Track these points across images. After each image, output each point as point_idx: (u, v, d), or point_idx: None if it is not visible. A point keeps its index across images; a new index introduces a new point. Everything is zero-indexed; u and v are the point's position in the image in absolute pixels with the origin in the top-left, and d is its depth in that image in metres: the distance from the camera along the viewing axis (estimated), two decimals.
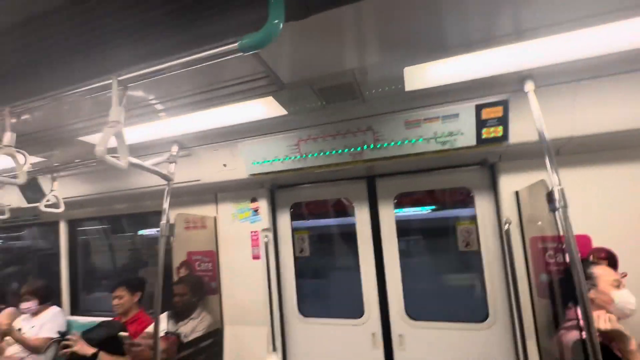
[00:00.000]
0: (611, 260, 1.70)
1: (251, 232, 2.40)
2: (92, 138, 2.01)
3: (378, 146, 1.86)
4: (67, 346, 2.07)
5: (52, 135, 1.93)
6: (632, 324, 1.48)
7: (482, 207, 2.06)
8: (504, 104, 1.61)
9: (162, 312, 2.30)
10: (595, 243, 1.73)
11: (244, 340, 2.36)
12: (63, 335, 2.18)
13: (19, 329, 2.67)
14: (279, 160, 2.06)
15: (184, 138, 2.10)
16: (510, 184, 1.88)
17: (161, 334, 2.18)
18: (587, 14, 1.05)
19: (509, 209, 1.87)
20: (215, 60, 0.96)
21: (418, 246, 2.33)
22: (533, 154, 1.79)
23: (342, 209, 2.47)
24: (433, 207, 2.34)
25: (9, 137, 1.36)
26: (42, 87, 1.31)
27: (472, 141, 1.72)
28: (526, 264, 1.80)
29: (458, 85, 1.53)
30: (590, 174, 1.77)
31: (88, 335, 2.25)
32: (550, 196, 1.33)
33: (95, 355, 2.09)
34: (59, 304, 3.05)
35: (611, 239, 1.71)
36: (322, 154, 1.97)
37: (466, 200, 2.15)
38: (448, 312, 2.14)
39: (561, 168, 1.76)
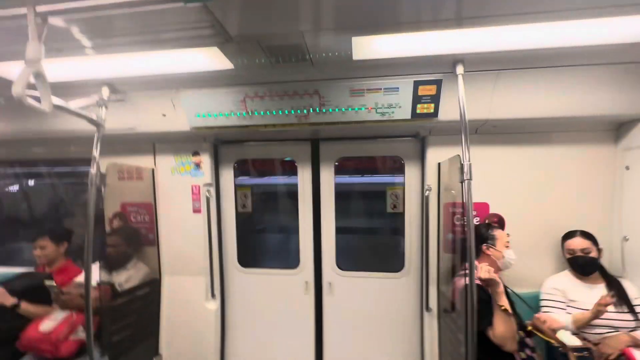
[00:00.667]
0: (501, 223, 2.10)
1: (192, 185, 2.37)
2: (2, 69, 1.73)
3: (324, 110, 1.93)
4: None
5: None
6: (511, 273, 1.91)
7: (410, 175, 2.32)
8: (438, 83, 1.77)
9: (94, 262, 2.25)
10: (492, 209, 2.10)
11: (183, 289, 2.44)
12: None
13: None
14: (224, 115, 2.02)
15: (117, 81, 1.92)
16: (435, 156, 2.13)
17: (94, 283, 2.15)
18: (515, 11, 1.19)
19: (431, 178, 2.14)
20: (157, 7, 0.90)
21: (351, 207, 2.55)
22: (456, 131, 2.04)
23: (285, 168, 2.55)
24: (368, 172, 2.54)
25: None
26: None
27: (408, 114, 1.88)
28: (438, 225, 2.12)
29: (401, 61, 1.63)
30: (498, 151, 2.09)
31: (7, 286, 2.11)
32: (461, 169, 1.56)
33: (16, 305, 2.00)
34: None
35: (503, 206, 2.08)
36: (268, 113, 1.97)
37: (397, 168, 2.38)
38: (371, 264, 2.46)
39: (477, 145, 2.06)
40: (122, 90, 2.01)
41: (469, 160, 1.52)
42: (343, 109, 1.91)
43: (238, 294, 2.57)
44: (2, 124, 2.34)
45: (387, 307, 2.37)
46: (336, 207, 2.40)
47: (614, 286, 1.83)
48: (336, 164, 2.39)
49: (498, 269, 1.88)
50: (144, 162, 2.41)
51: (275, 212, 2.65)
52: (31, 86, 1.02)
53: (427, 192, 2.11)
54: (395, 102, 1.85)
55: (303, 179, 2.42)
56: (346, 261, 2.44)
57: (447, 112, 1.86)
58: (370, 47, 1.50)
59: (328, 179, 2.39)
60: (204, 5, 1.13)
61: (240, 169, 2.56)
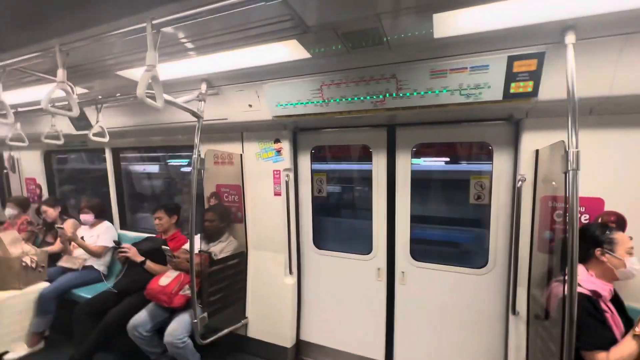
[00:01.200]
0: (620, 224, 1.73)
1: (274, 170, 2.57)
2: (128, 72, 2.14)
3: (400, 95, 1.85)
4: (123, 252, 2.51)
5: (93, 69, 2.08)
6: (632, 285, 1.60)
7: (500, 163, 2.07)
8: (540, 57, 1.52)
9: (196, 234, 2.66)
10: (608, 206, 1.74)
11: (265, 263, 2.71)
12: (118, 244, 2.60)
13: (82, 237, 3.20)
14: (302, 103, 2.11)
15: (212, 77, 2.17)
16: (532, 142, 1.85)
17: (196, 251, 2.56)
18: None
19: (525, 167, 1.88)
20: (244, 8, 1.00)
21: (429, 196, 2.42)
22: (562, 112, 1.72)
23: (361, 155, 2.55)
24: (449, 159, 2.35)
25: (61, 74, 1.50)
26: (85, 23, 1.40)
27: (499, 95, 1.67)
28: (532, 221, 1.86)
29: (491, 34, 1.45)
30: (619, 136, 1.69)
31: (137, 246, 2.68)
32: (565, 157, 1.33)
33: (143, 262, 2.52)
34: (111, 220, 3.55)
35: (623, 204, 1.71)
36: (344, 100, 1.99)
37: (484, 155, 2.15)
38: (449, 258, 2.31)
39: (591, 129, 1.72)
40: (216, 85, 2.28)
41: (577, 147, 1.29)
42: (422, 92, 1.80)
43: (313, 273, 2.73)
44: (127, 117, 2.90)
45: (466, 304, 2.21)
46: (413, 196, 2.31)
47: None
48: (414, 149, 2.28)
49: (613, 279, 1.58)
50: (233, 148, 2.71)
51: (349, 197, 2.69)
52: (148, 86, 1.24)
53: (520, 182, 1.86)
54: (483, 81, 1.66)
55: (378, 166, 2.39)
56: (422, 252, 2.35)
57: (550, 90, 1.59)
58: (454, 22, 1.37)
59: (404, 165, 2.30)
60: (284, 1, 1.19)
61: (318, 155, 2.67)
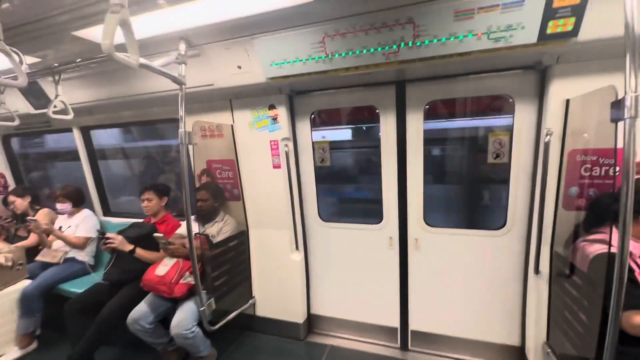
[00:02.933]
0: None
1: (270, 141, 2.32)
2: (88, 33, 1.77)
3: (417, 44, 1.60)
4: (109, 243, 2.26)
5: (42, 29, 1.69)
6: None
7: (522, 117, 1.90)
8: None
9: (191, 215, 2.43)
10: None
11: (269, 241, 2.54)
12: (102, 234, 2.35)
13: (59, 227, 2.90)
14: (301, 61, 1.83)
15: (192, 33, 1.83)
16: (561, 91, 1.67)
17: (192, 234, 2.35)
18: None
19: (553, 120, 1.72)
20: None
21: (443, 156, 2.25)
22: (600, 55, 1.54)
23: (368, 117, 2.32)
24: (465, 116, 2.16)
25: None
26: None
27: (533, 37, 1.45)
28: (558, 177, 1.74)
29: None
30: None
31: (123, 234, 2.43)
32: (618, 104, 1.16)
33: (132, 251, 2.29)
34: (91, 208, 3.24)
35: None
36: (350, 53, 1.72)
37: (503, 109, 1.97)
38: (464, 220, 2.22)
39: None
40: (197, 44, 1.94)
41: (636, 91, 1.12)
42: (443, 39, 1.56)
43: (321, 247, 2.59)
44: (94, 90, 2.51)
45: (483, 267, 2.15)
46: (425, 157, 2.14)
47: None
48: (427, 107, 2.07)
49: (638, 239, 1.49)
50: (222, 118, 2.41)
51: (355, 164, 2.50)
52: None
53: (548, 137, 1.71)
54: (516, 21, 1.43)
55: (386, 127, 2.18)
56: (434, 216, 2.23)
57: (594, 28, 1.38)
58: None
59: (416, 125, 2.10)
60: None
61: (318, 120, 2.41)
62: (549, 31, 1.42)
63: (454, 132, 2.21)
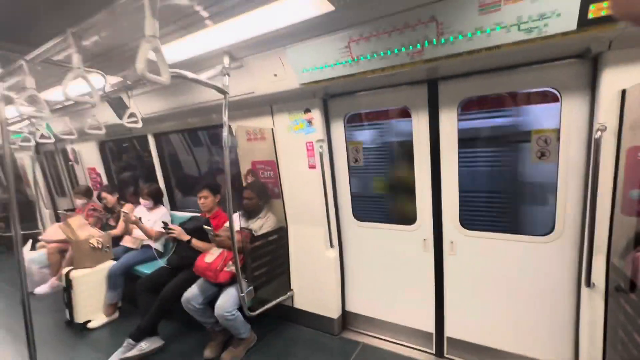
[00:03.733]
0: None
1: (306, 142, 2.46)
2: (153, 55, 2.11)
3: (442, 41, 1.58)
4: (170, 233, 2.64)
5: (119, 54, 2.08)
6: None
7: (571, 111, 1.71)
8: None
9: (235, 212, 2.70)
10: None
11: (306, 238, 2.68)
12: (166, 225, 2.75)
13: (140, 219, 3.45)
14: (329, 66, 1.93)
15: (234, 48, 2.06)
16: (616, 81, 1.48)
17: (236, 228, 2.60)
18: None
19: (606, 113, 1.53)
20: None
21: (482, 156, 2.13)
22: None
23: (401, 117, 2.31)
24: (504, 113, 2.01)
25: (76, 59, 1.48)
26: (93, 5, 1.35)
27: (572, 24, 1.33)
28: (615, 178, 1.54)
29: None
30: None
31: (184, 225, 2.81)
32: None
33: (189, 241, 2.64)
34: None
35: None
36: (375, 55, 1.76)
37: (549, 103, 1.80)
38: (506, 225, 2.06)
39: None
40: (239, 57, 2.17)
41: None
42: (469, 34, 1.51)
43: (355, 245, 2.65)
44: (161, 102, 2.93)
45: (527, 276, 1.98)
46: (461, 158, 2.06)
47: None
48: (460, 106, 2.00)
49: None
50: (264, 123, 2.63)
51: (389, 165, 2.50)
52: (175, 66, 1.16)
53: (600, 132, 1.52)
54: (550, 8, 1.32)
55: (419, 127, 2.15)
56: (472, 219, 2.12)
57: None
58: None
59: (450, 124, 2.03)
60: None
61: (351, 121, 2.48)
62: (590, 15, 1.29)
63: (494, 131, 2.07)
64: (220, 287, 2.45)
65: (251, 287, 2.35)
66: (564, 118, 1.74)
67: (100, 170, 4.59)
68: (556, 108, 1.76)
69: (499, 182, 2.12)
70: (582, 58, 1.61)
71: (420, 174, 2.22)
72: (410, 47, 1.65)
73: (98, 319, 3.08)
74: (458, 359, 2.29)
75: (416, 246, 2.34)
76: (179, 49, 2.02)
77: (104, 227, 3.85)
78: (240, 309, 2.35)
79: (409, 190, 2.28)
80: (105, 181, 4.59)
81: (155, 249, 3.36)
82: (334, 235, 2.60)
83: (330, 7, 1.56)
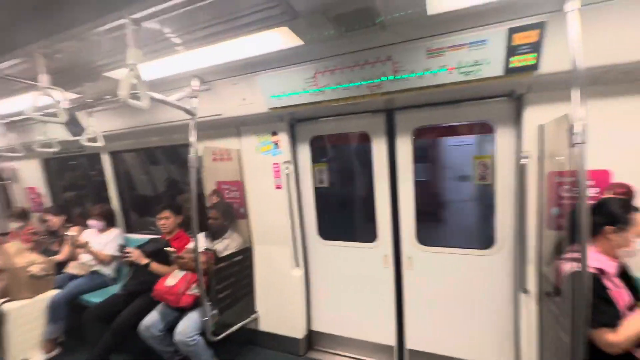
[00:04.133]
0: (629, 194, 1.68)
1: (273, 163, 2.54)
2: (116, 73, 2.09)
3: (397, 77, 1.80)
4: (127, 256, 2.50)
5: (80, 72, 2.03)
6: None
7: (503, 141, 2.02)
8: (541, 27, 1.46)
9: (200, 232, 2.65)
10: (617, 178, 1.70)
11: (272, 257, 2.70)
12: (122, 248, 2.60)
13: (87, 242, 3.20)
14: (297, 93, 2.06)
15: (204, 72, 2.12)
16: (535, 117, 1.80)
17: (200, 249, 2.55)
18: None
19: (530, 143, 1.83)
20: None
21: (433, 178, 2.37)
22: (566, 84, 1.66)
23: (361, 142, 2.50)
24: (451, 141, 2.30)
25: (43, 79, 1.45)
26: (61, 24, 1.35)
27: (499, 71, 1.61)
28: (539, 198, 1.82)
29: (488, 7, 1.39)
30: (625, 105, 1.64)
31: (141, 248, 2.68)
32: (570, 131, 1.28)
33: (148, 264, 2.52)
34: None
35: (631, 174, 1.66)
36: (339, 86, 1.94)
37: (486, 134, 2.09)
38: (456, 240, 2.29)
39: (597, 99, 1.66)
40: (208, 81, 2.23)
41: (583, 120, 1.24)
42: (419, 73, 1.74)
43: (320, 264, 2.72)
44: (121, 120, 2.86)
45: (475, 286, 2.20)
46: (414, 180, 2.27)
47: None
48: (413, 134, 2.23)
49: (616, 256, 1.53)
50: (231, 144, 2.67)
51: (352, 185, 2.65)
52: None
53: (524, 160, 1.82)
54: (482, 57, 1.60)
55: (378, 152, 2.35)
56: (427, 236, 2.32)
57: (553, 61, 1.53)
58: None
59: (405, 150, 2.26)
60: None
61: (317, 145, 2.62)
62: (512, 65, 1.58)
63: (443, 155, 2.33)
64: (182, 312, 2.35)
65: (215, 311, 2.29)
66: (497, 146, 2.03)
67: (43, 189, 4.20)
68: (492, 138, 2.05)
69: (449, 202, 2.35)
70: (509, 97, 1.93)
71: (379, 194, 2.39)
72: (370, 80, 1.85)
73: (35, 357, 2.75)
74: None
75: (377, 262, 2.48)
76: (147, 70, 2.03)
77: (46, 252, 3.50)
78: (202, 333, 2.27)
79: (370, 209, 2.44)
80: (47, 202, 4.20)
81: (106, 274, 3.13)
82: (299, 254, 2.66)
83: (299, 42, 1.72)
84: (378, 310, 2.52)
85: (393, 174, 2.32)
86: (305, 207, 2.69)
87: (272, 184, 2.57)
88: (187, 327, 2.21)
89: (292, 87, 2.06)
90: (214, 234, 2.64)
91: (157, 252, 2.64)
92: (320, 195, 2.66)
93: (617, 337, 1.37)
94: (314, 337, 2.79)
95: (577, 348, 1.32)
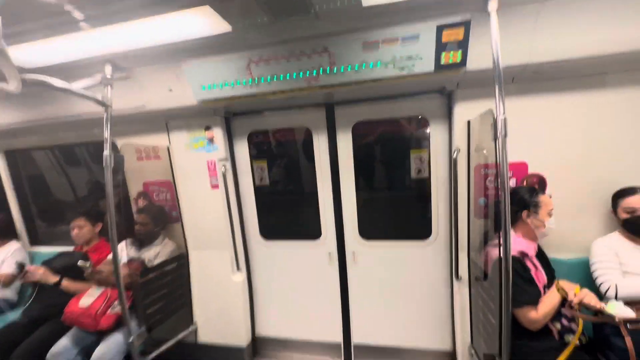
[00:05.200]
0: (542, 184, 1.87)
1: (208, 161, 2.33)
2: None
3: (334, 71, 1.74)
4: (28, 276, 2.09)
5: None
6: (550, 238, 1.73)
7: (436, 136, 2.10)
8: (466, 25, 1.51)
9: (122, 241, 2.34)
10: (531, 169, 1.87)
11: (210, 263, 2.49)
12: (22, 266, 2.17)
13: None
14: (229, 85, 1.90)
15: (119, 57, 1.85)
16: (463, 113, 1.89)
17: (124, 260, 2.25)
18: None
19: (459, 138, 1.92)
20: None
21: (374, 172, 2.40)
22: (489, 82, 1.77)
23: (303, 137, 2.41)
24: (390, 136, 2.33)
25: None
26: None
27: (431, 67, 1.65)
28: (468, 190, 1.93)
29: (419, 2, 1.40)
30: (538, 102, 1.81)
31: (49, 264, 2.27)
32: (494, 125, 1.36)
33: (58, 283, 2.14)
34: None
35: (544, 165, 1.84)
36: (275, 78, 1.82)
37: (422, 129, 2.17)
38: (396, 232, 2.34)
39: (513, 97, 1.80)
40: (125, 67, 1.95)
41: (504, 114, 1.31)
42: (356, 67, 1.71)
43: (263, 265, 2.59)
44: (18, 112, 2.39)
45: (415, 275, 2.28)
46: (356, 175, 2.27)
47: None
48: (353, 129, 2.22)
49: (535, 238, 1.70)
50: (158, 140, 2.39)
51: (294, 182, 2.56)
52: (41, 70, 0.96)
53: (455, 153, 1.91)
54: (415, 53, 1.62)
55: (319, 146, 2.29)
56: (370, 230, 2.34)
57: (478, 59, 1.61)
58: None
59: (346, 144, 2.23)
60: None
61: (255, 140, 2.47)
62: (442, 62, 1.62)
63: (382, 150, 2.36)
64: (101, 335, 2.04)
65: (143, 328, 2.03)
66: (432, 140, 2.11)
67: None
68: (427, 132, 2.13)
69: (389, 195, 2.40)
70: (441, 93, 2.01)
71: (322, 190, 2.35)
72: (307, 73, 1.77)
73: None
74: None
75: (322, 260, 2.43)
76: (45, 52, 1.70)
77: None
78: (128, 357, 2.00)
79: (314, 206, 2.38)
80: None
81: (7, 298, 2.60)
82: (240, 257, 2.50)
83: (227, 28, 1.57)
84: (324, 309, 2.48)
85: (335, 169, 2.28)
86: (246, 206, 2.54)
87: (208, 184, 2.36)
88: (106, 352, 1.92)
89: (224, 78, 1.89)
90: (142, 242, 2.35)
91: (70, 268, 2.25)
92: (261, 193, 2.52)
93: (538, 314, 1.51)
94: (259, 344, 2.65)
95: (505, 326, 1.42)
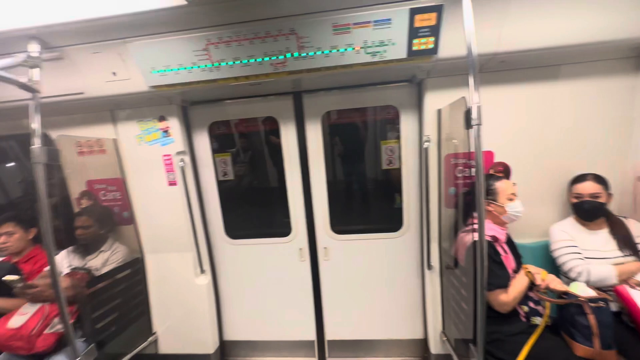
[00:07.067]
0: (507, 172, 1.92)
1: (163, 155, 2.10)
2: None
3: (303, 55, 1.62)
4: None
5: None
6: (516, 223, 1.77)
7: (407, 125, 2.07)
8: (438, 10, 1.47)
9: (64, 248, 2.05)
10: (498, 158, 1.91)
11: (170, 267, 2.28)
12: None
13: None
14: (186, 68, 1.69)
15: (47, 32, 1.56)
16: (433, 102, 1.87)
17: (67, 270, 1.97)
18: None
19: (429, 128, 1.91)
20: None
21: (344, 164, 2.33)
22: (457, 71, 1.77)
23: (270, 128, 2.27)
24: (362, 125, 2.27)
25: None
26: None
27: (404, 53, 1.59)
28: (439, 180, 1.93)
29: None
30: (503, 92, 1.84)
31: None
32: (467, 114, 1.33)
33: None
34: None
35: (509, 154, 1.89)
36: (237, 62, 1.66)
37: (393, 119, 2.13)
38: (367, 226, 2.30)
39: (481, 86, 1.81)
40: (56, 46, 1.66)
41: (479, 102, 1.29)
42: (326, 51, 1.60)
43: (230, 266, 2.42)
44: None
45: (387, 267, 2.26)
46: (326, 167, 2.18)
47: (619, 231, 1.73)
48: (322, 118, 2.12)
49: (502, 223, 1.74)
50: (103, 132, 2.11)
51: (260, 176, 2.42)
52: None
53: (426, 143, 1.89)
54: (387, 38, 1.55)
55: (287, 138, 2.16)
56: (342, 224, 2.27)
57: (448, 47, 1.58)
58: None
59: (315, 135, 2.13)
60: None
61: (217, 132, 2.28)
62: (414, 48, 1.57)
63: (353, 141, 2.29)
64: (39, 359, 1.76)
65: (92, 345, 1.79)
66: (402, 131, 2.08)
67: None
68: (398, 122, 2.09)
69: (359, 188, 2.35)
70: (411, 82, 1.97)
71: (291, 184, 2.23)
72: (274, 57, 1.63)
73: None
74: (338, 359, 2.39)
75: (293, 257, 2.33)
76: None
77: None
78: None
79: (283, 201, 2.26)
80: None
81: None
82: (204, 259, 2.31)
83: (181, 1, 1.37)
84: (296, 307, 2.39)
85: (304, 161, 2.17)
86: (208, 204, 2.34)
87: (164, 180, 2.14)
88: None
89: (179, 61, 1.68)
90: (86, 248, 2.08)
91: None
92: (226, 189, 2.34)
93: (508, 297, 1.54)
94: (228, 349, 2.50)
95: (480, 311, 1.43)
